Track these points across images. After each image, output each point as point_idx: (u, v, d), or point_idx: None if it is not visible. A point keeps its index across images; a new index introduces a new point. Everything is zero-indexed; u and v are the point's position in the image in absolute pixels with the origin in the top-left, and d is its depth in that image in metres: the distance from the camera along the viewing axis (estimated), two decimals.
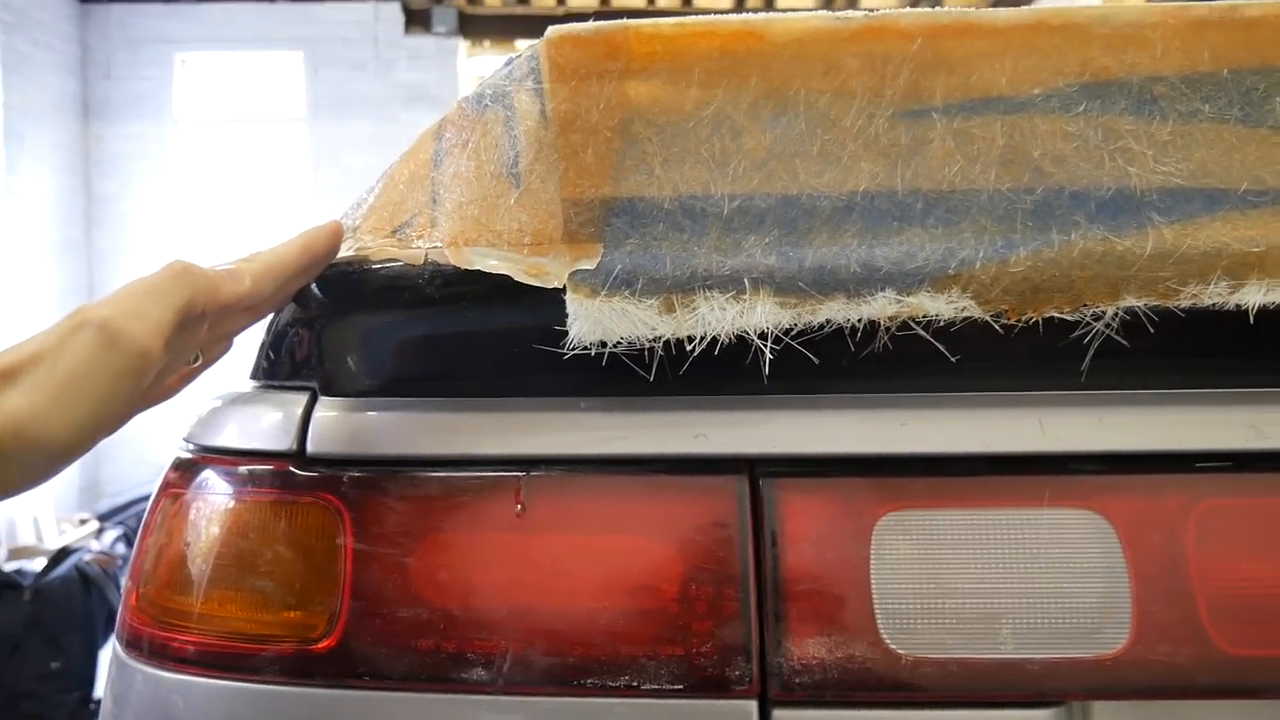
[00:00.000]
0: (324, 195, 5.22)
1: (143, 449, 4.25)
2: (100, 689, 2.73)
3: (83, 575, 2.73)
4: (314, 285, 0.60)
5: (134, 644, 0.62)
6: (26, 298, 4.62)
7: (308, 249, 0.55)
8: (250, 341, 0.67)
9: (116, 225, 5.22)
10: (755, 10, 5.47)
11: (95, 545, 3.91)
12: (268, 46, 5.29)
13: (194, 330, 0.50)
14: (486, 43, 5.70)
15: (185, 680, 0.58)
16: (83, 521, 4.32)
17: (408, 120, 5.23)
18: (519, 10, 5.46)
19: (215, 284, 0.50)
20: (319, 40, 5.24)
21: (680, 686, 0.53)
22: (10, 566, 2.94)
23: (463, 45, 5.39)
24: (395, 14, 5.25)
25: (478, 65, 5.83)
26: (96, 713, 2.74)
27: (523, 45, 5.83)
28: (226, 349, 0.59)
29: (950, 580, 0.53)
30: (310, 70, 5.25)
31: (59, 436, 0.43)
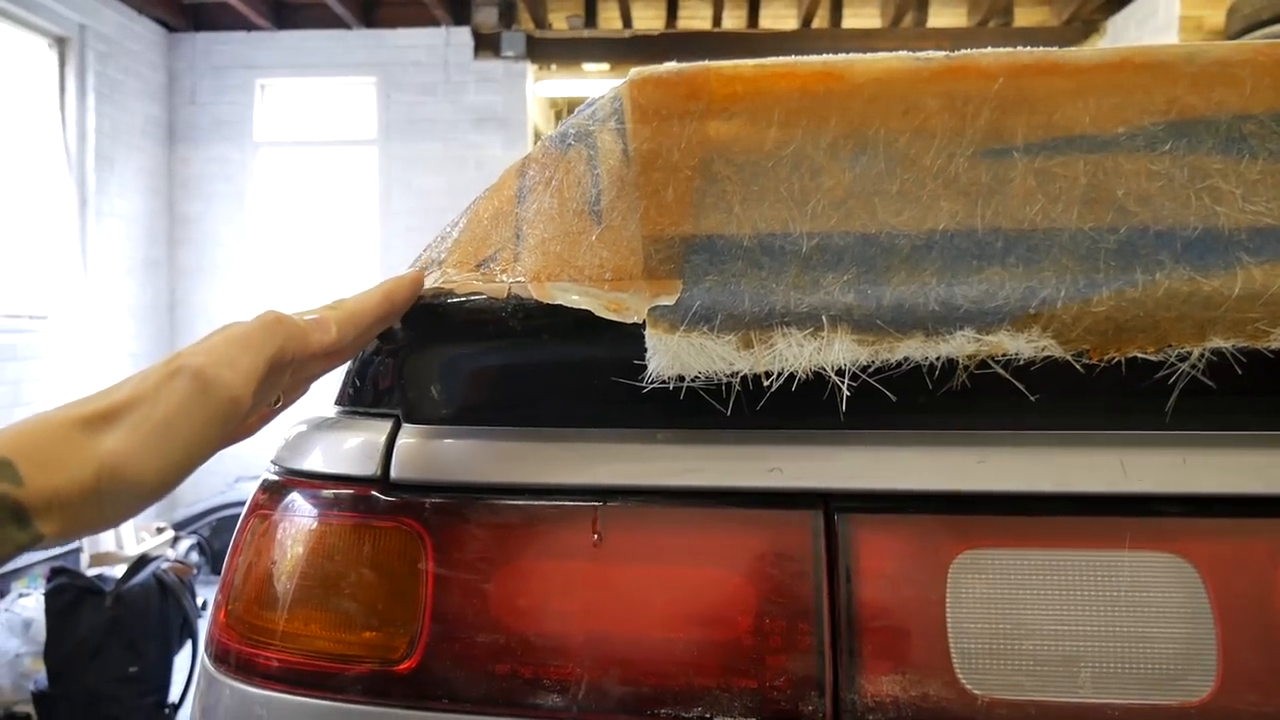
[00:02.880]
0: (394, 216, 5.35)
1: (215, 461, 4.38)
2: (174, 694, 2.81)
3: (160, 583, 2.82)
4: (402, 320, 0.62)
5: (222, 658, 0.64)
6: (112, 314, 4.81)
7: (389, 298, 0.57)
8: (335, 371, 0.70)
9: (198, 245, 5.41)
10: (821, 29, 5.46)
11: (171, 553, 4.04)
12: (342, 72, 5.45)
13: (280, 376, 0.52)
14: (554, 66, 5.79)
15: (269, 696, 0.60)
16: (159, 530, 4.46)
17: (476, 142, 5.34)
18: (586, 34, 5.53)
19: (304, 334, 0.52)
20: (391, 65, 5.38)
21: (753, 719, 0.54)
22: (92, 572, 3.05)
23: (530, 69, 5.48)
24: (465, 39, 5.37)
25: (545, 88, 5.92)
26: (172, 716, 2.82)
27: (589, 68, 5.88)
28: (305, 392, 0.61)
29: (1028, 621, 0.53)
30: (382, 94, 5.39)
31: (152, 478, 0.45)
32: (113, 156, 4.84)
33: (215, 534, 4.61)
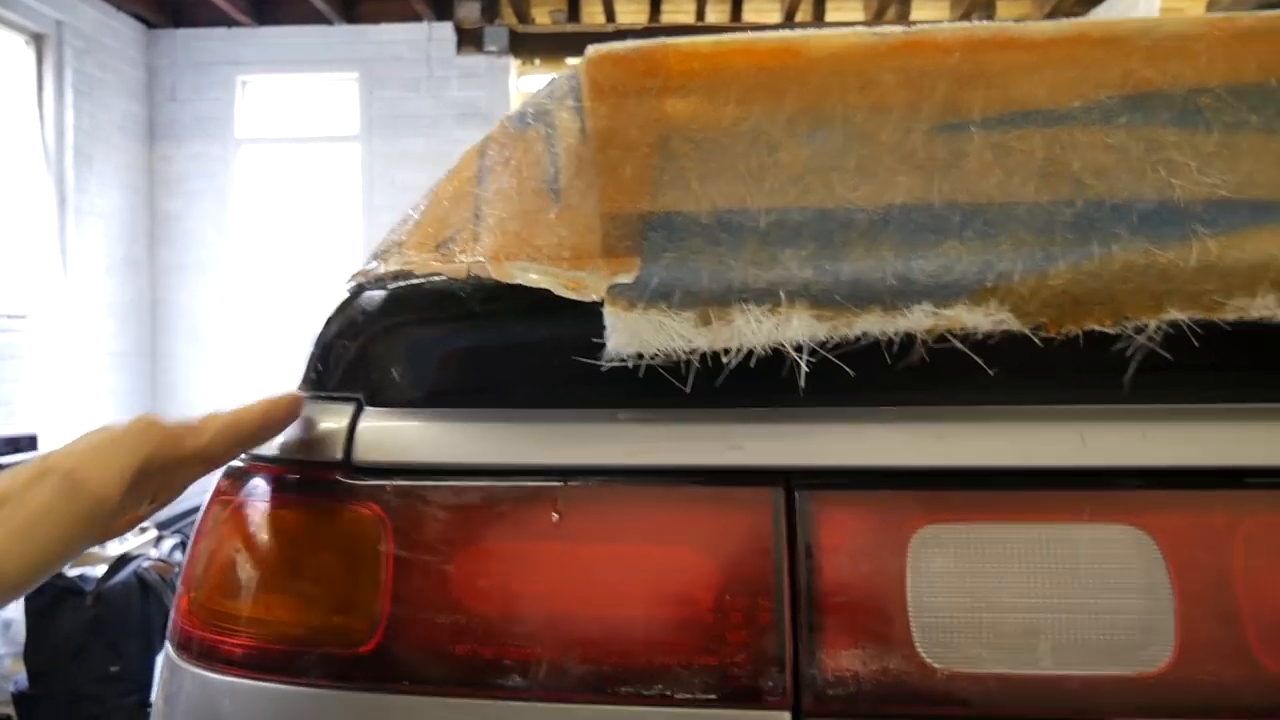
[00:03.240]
0: (377, 211, 5.33)
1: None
2: (154, 694, 2.80)
3: (142, 581, 2.80)
4: (361, 298, 0.61)
5: (184, 646, 0.64)
6: (92, 313, 4.78)
7: (267, 415, 0.59)
8: (298, 354, 0.70)
9: (180, 242, 5.37)
10: (804, 23, 5.47)
11: (154, 552, 4.01)
12: (324, 68, 5.42)
13: (150, 480, 0.53)
14: (537, 60, 5.78)
15: (232, 682, 0.60)
16: (142, 530, 4.43)
17: (460, 138, 5.32)
18: (569, 28, 5.53)
19: (178, 438, 0.54)
20: (373, 61, 5.35)
21: (713, 696, 0.54)
22: (73, 573, 3.03)
23: (514, 64, 5.47)
24: (448, 34, 5.35)
25: (528, 83, 5.91)
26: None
27: (573, 62, 5.96)
28: (178, 495, 0.61)
29: (988, 594, 0.53)
30: (365, 90, 5.37)
31: (13, 575, 0.46)
32: (92, 154, 4.81)
33: None
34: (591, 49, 0.54)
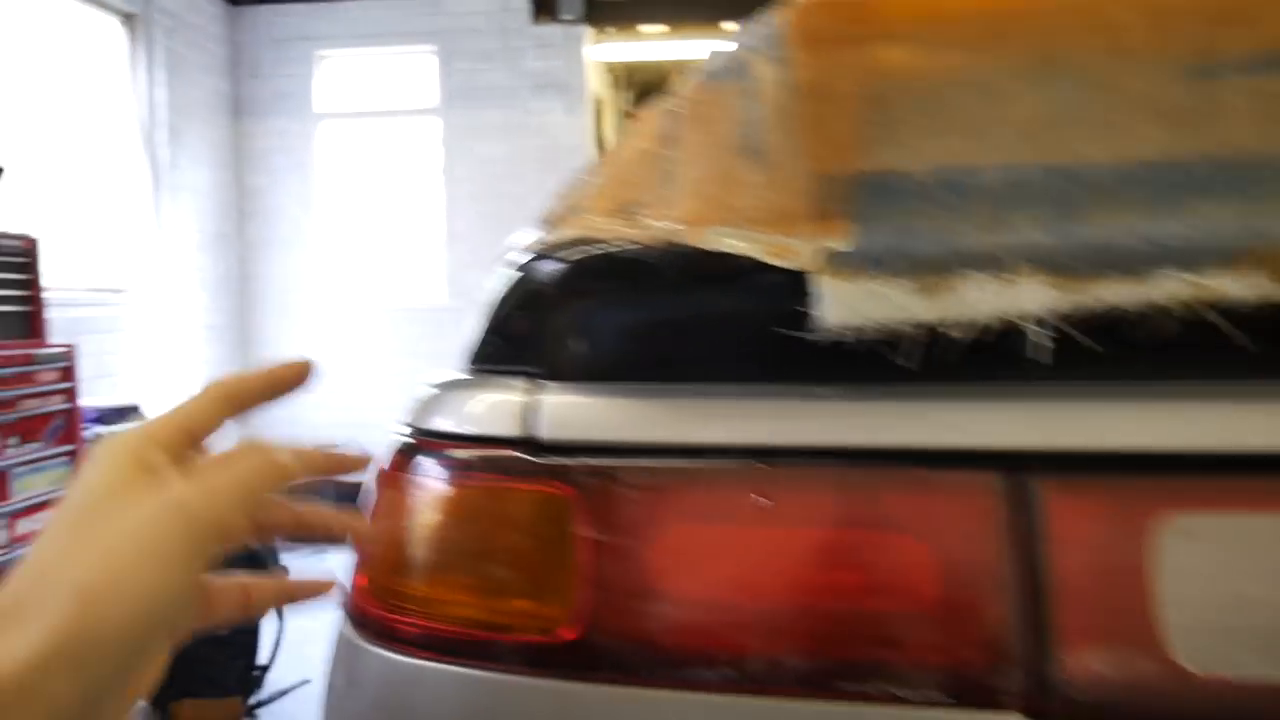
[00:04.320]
0: (457, 184, 5.35)
1: (301, 430, 4.47)
2: (263, 656, 2.88)
3: (249, 550, 2.88)
4: (541, 268, 0.59)
5: (365, 626, 0.63)
6: (186, 287, 4.91)
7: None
8: (468, 329, 0.68)
9: (265, 218, 5.48)
10: None
11: None
12: (401, 41, 5.44)
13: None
14: (611, 29, 5.71)
15: (420, 665, 0.59)
16: None
17: (536, 108, 5.30)
18: None
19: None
20: (449, 33, 5.35)
21: (939, 695, 0.50)
22: None
23: (588, 32, 5.41)
24: (522, 3, 5.31)
25: (602, 52, 5.85)
26: (260, 679, 2.89)
27: (646, 30, 5.77)
28: None
29: (1251, 593, 0.48)
30: (442, 62, 5.37)
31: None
32: (183, 131, 4.91)
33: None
34: None
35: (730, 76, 0.54)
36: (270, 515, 0.47)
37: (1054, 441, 0.51)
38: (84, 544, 0.37)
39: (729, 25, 5.70)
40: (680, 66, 6.99)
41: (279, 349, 5.45)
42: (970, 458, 0.51)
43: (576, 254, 0.57)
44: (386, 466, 0.66)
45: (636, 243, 0.54)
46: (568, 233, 0.59)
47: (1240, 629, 0.47)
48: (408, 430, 0.66)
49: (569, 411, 0.58)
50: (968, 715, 0.50)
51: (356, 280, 5.54)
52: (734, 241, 0.52)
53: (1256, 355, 0.49)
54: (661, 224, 0.55)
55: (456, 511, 0.60)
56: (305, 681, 3.05)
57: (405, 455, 0.64)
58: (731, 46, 0.55)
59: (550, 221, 0.63)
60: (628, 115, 7.58)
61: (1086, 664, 0.49)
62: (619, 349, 0.57)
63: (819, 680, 0.51)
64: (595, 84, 5.67)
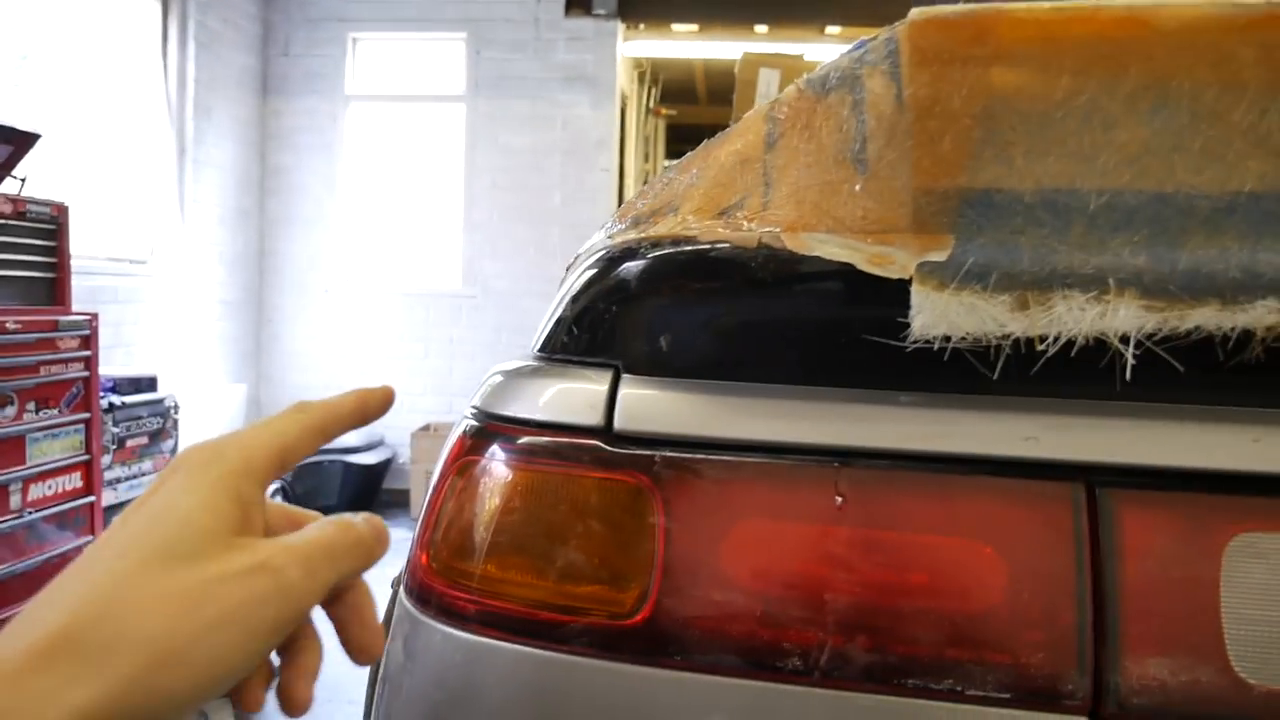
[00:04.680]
0: (480, 173, 5.37)
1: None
2: None
3: None
4: (629, 262, 0.60)
5: (427, 601, 0.64)
6: (206, 261, 4.92)
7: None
8: (545, 317, 0.69)
9: (287, 196, 5.49)
10: None
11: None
12: (433, 27, 5.45)
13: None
14: (642, 25, 5.72)
15: (486, 643, 0.60)
16: None
17: (564, 101, 5.31)
18: None
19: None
20: (482, 21, 5.36)
21: (1006, 695, 0.52)
22: None
23: (620, 28, 5.42)
24: None
25: (632, 48, 5.86)
26: None
27: (678, 29, 5.76)
28: None
29: None
30: (472, 50, 5.38)
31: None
32: (211, 106, 4.93)
33: (298, 479, 4.73)
34: (915, 11, 0.51)
35: (840, 87, 0.55)
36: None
37: (1128, 457, 0.52)
38: (164, 588, 0.33)
39: (760, 27, 5.71)
40: (707, 66, 7.00)
41: (292, 327, 5.47)
42: (1041, 468, 0.53)
43: (667, 250, 0.58)
44: (455, 449, 0.67)
45: (729, 243, 0.55)
46: (659, 230, 0.60)
47: None
48: (478, 414, 0.67)
49: (648, 404, 0.59)
50: (1035, 717, 0.51)
51: (374, 262, 5.56)
52: (833, 248, 0.53)
53: None
54: (760, 227, 0.56)
55: (531, 496, 0.61)
56: None
57: (476, 439, 0.66)
58: (847, 58, 0.57)
59: (637, 219, 0.64)
60: (651, 112, 7.59)
61: (1150, 671, 0.50)
62: (705, 346, 0.59)
63: (886, 676, 0.52)
64: (621, 79, 5.68)
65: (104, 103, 4.28)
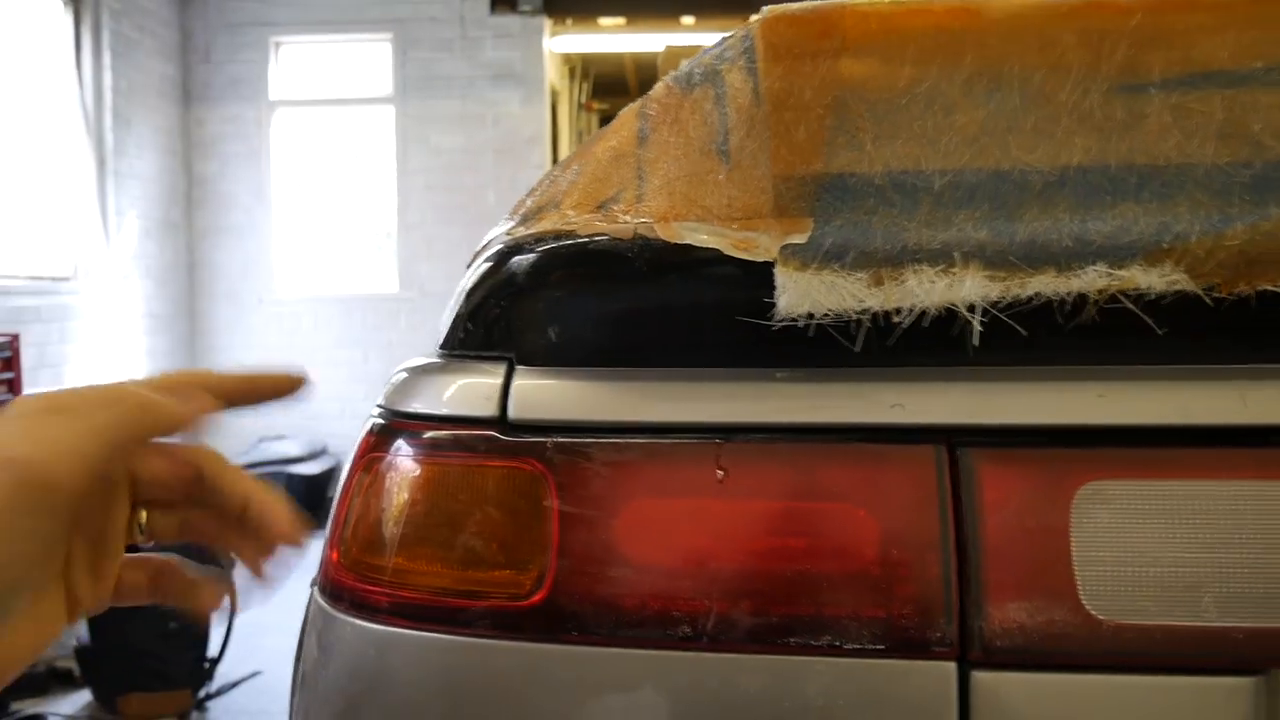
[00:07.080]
0: (412, 174, 5.33)
1: (235, 423, 4.42)
2: (213, 649, 2.86)
3: (196, 544, 2.86)
4: (517, 258, 0.62)
5: (338, 598, 0.66)
6: (133, 275, 4.82)
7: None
8: (444, 313, 0.71)
9: (215, 205, 5.40)
10: None
11: None
12: (358, 29, 5.40)
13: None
14: (569, 21, 5.73)
15: (398, 633, 0.62)
16: None
17: (494, 99, 5.30)
18: None
19: (157, 410, 0.41)
20: (407, 21, 5.32)
21: (881, 647, 0.55)
22: None
23: (547, 23, 5.42)
24: None
25: (561, 43, 5.86)
26: (212, 671, 2.88)
27: (605, 23, 5.78)
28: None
29: (1151, 549, 0.54)
30: (398, 51, 5.34)
31: None
32: (130, 117, 4.82)
33: None
34: (766, 9, 0.54)
35: (704, 83, 0.58)
36: (152, 469, 0.40)
37: (984, 418, 0.56)
38: None
39: (686, 19, 5.76)
40: (637, 60, 7.07)
41: (228, 338, 5.38)
42: (906, 432, 0.56)
43: (550, 245, 0.61)
44: (362, 447, 0.69)
45: (608, 235, 0.58)
46: (543, 226, 0.62)
47: (1140, 581, 0.53)
48: (383, 412, 0.69)
49: (540, 393, 0.61)
50: (907, 665, 0.55)
51: (308, 269, 5.49)
52: (702, 235, 0.56)
53: (1161, 340, 0.54)
54: (635, 219, 0.59)
55: (432, 488, 0.63)
56: (256, 674, 3.04)
57: (381, 436, 0.68)
58: (708, 55, 0.59)
59: (525, 216, 0.67)
60: (584, 107, 7.60)
61: (1010, 615, 0.54)
62: (591, 335, 0.61)
63: (769, 636, 0.55)
64: (552, 75, 5.69)
65: (16, 116, 4.17)
